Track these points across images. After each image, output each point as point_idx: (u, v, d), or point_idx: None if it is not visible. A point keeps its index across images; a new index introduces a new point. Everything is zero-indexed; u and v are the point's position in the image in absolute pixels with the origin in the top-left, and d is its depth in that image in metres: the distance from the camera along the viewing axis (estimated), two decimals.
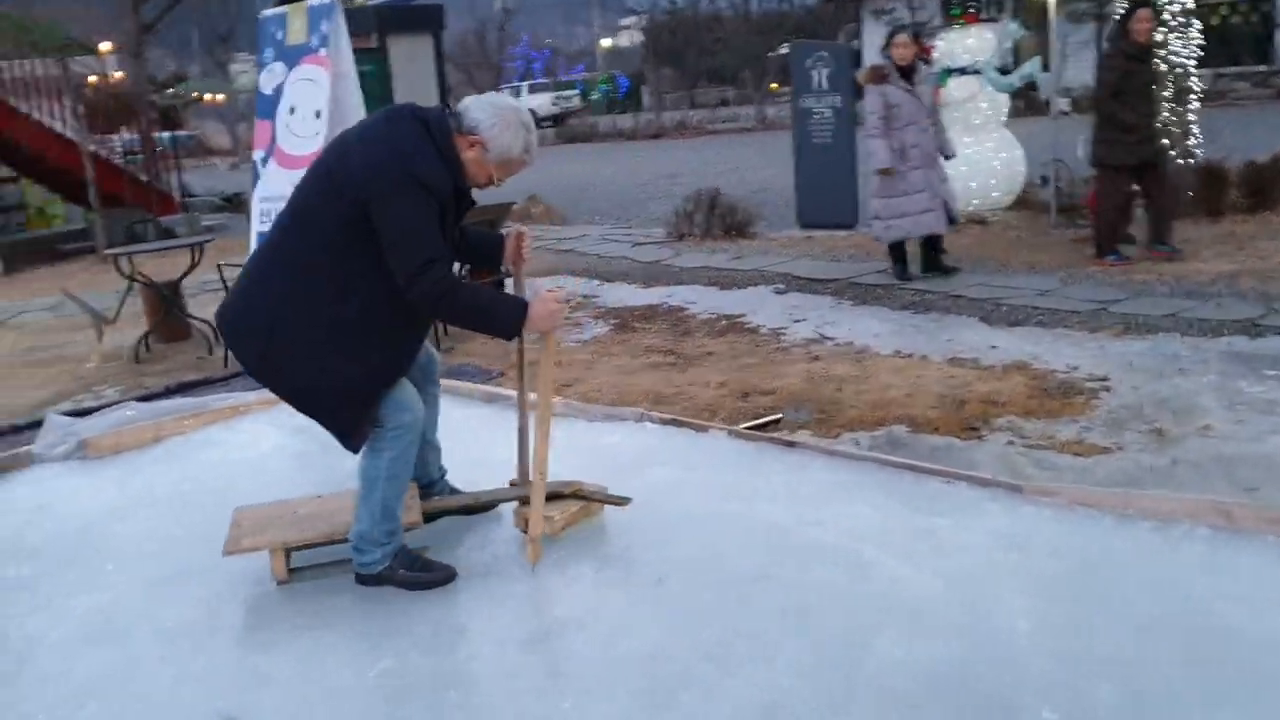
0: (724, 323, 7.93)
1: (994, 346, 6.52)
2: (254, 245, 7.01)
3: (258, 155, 7.15)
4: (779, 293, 8.66)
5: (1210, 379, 5.55)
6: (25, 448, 5.05)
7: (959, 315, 7.39)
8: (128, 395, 7.14)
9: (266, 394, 5.25)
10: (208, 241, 8.64)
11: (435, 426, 3.92)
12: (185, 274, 8.42)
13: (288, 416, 4.60)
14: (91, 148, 14.33)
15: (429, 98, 16.11)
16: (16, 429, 6.58)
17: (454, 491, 4.02)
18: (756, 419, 5.53)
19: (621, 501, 3.87)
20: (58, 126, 14.43)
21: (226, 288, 8.76)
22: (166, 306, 8.40)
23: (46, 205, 16.80)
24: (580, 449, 4.71)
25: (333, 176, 3.18)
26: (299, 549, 3.60)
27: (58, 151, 14.17)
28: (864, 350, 6.75)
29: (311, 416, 3.37)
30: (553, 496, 3.80)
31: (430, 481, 3.96)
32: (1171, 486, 4.26)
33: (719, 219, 12.19)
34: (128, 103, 17.11)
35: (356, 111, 6.76)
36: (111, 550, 4.00)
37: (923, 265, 8.69)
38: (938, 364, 6.30)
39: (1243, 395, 5.29)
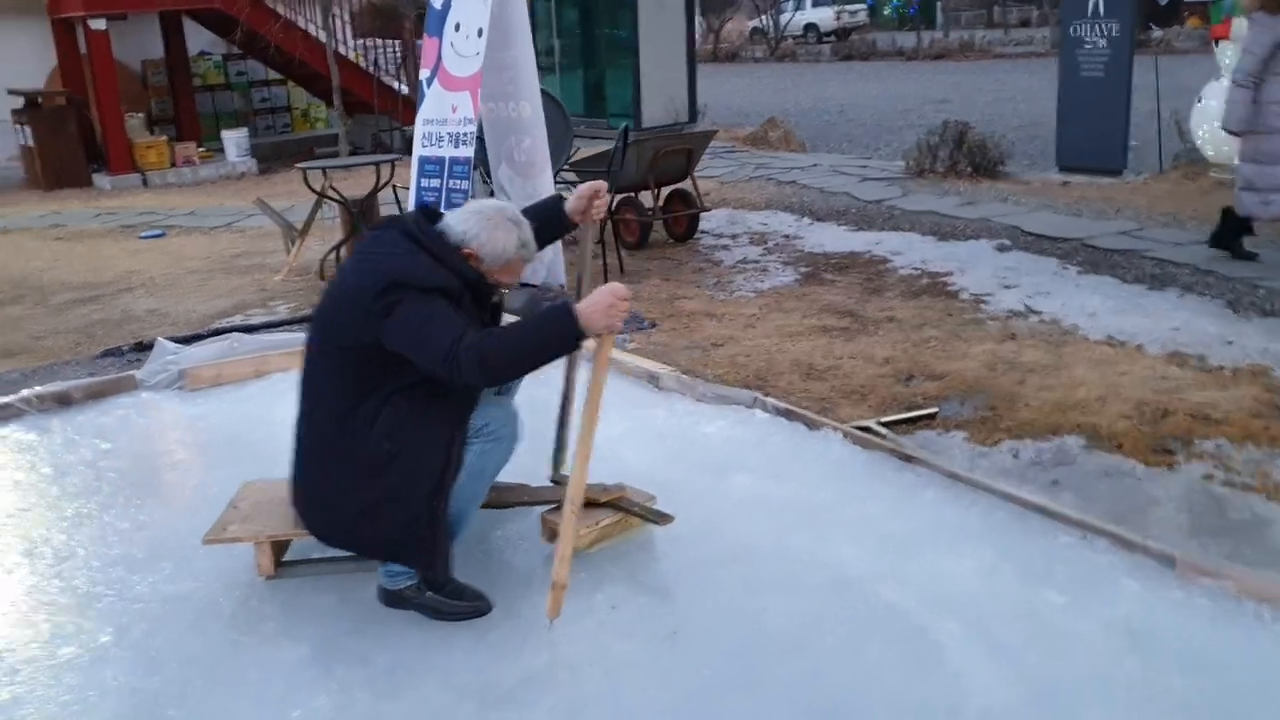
0: (924, 281, 7.02)
1: (1230, 342, 5.37)
2: (414, 172, 6.70)
3: (424, 75, 6.77)
4: (1000, 249, 7.62)
5: None
6: (131, 372, 4.94)
7: (1200, 296, 6.19)
8: (297, 313, 7.08)
9: None
10: (395, 160, 8.46)
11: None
12: (374, 191, 8.28)
13: None
14: (341, 51, 14.60)
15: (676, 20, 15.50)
16: (185, 339, 6.60)
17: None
18: (908, 411, 4.74)
19: (663, 519, 3.26)
20: (312, 30, 14.76)
21: (400, 208, 8.62)
22: (354, 223, 8.29)
23: (311, 108, 17.41)
24: (669, 435, 4.12)
25: (340, 310, 2.96)
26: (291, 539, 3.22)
27: (315, 56, 14.52)
28: (1069, 332, 5.73)
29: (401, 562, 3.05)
30: (588, 503, 3.23)
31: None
32: None
33: (966, 156, 11.01)
34: (391, 10, 17.37)
35: (521, 32, 6.25)
36: (132, 493, 3.77)
37: (1214, 237, 7.07)
38: (1152, 358, 5.23)
39: None
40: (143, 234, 10.52)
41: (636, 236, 8.60)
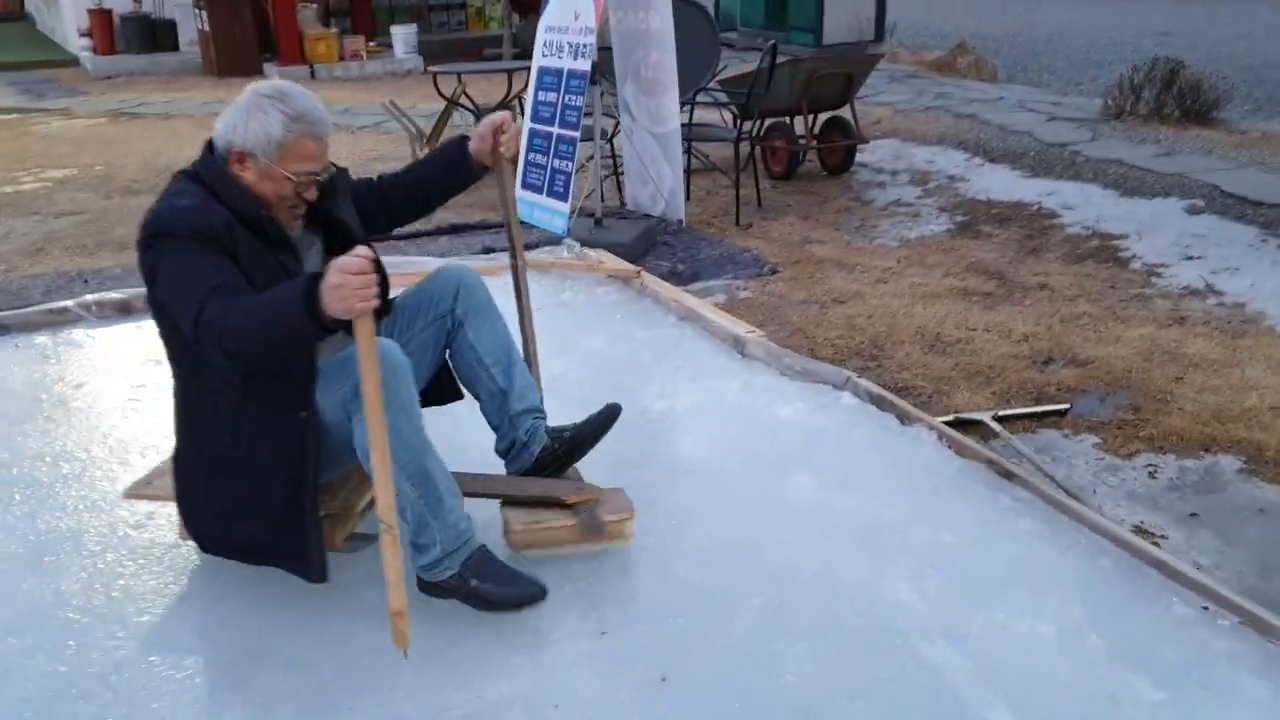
0: (1092, 243, 6.16)
1: None
2: (532, 84, 6.21)
3: None
4: (1190, 212, 6.64)
5: None
6: None
7: None
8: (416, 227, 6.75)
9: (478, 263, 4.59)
10: (526, 68, 8.00)
11: (501, 360, 2.83)
12: (503, 101, 7.85)
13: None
14: None
15: None
16: None
17: (553, 453, 2.85)
18: (1035, 403, 4.06)
19: (616, 536, 2.76)
20: None
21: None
22: None
23: (486, 6, 17.07)
24: (736, 417, 3.59)
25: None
26: None
27: None
28: (1252, 321, 4.86)
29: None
30: (553, 503, 2.78)
31: (512, 442, 2.86)
32: None
33: (1175, 98, 9.82)
34: None
35: None
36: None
37: None
38: None
39: None
40: None
41: (784, 166, 7.94)
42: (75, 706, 2.30)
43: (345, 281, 2.06)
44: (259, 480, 2.42)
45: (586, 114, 5.89)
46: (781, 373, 3.87)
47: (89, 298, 4.43)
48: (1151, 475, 3.54)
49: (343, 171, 2.69)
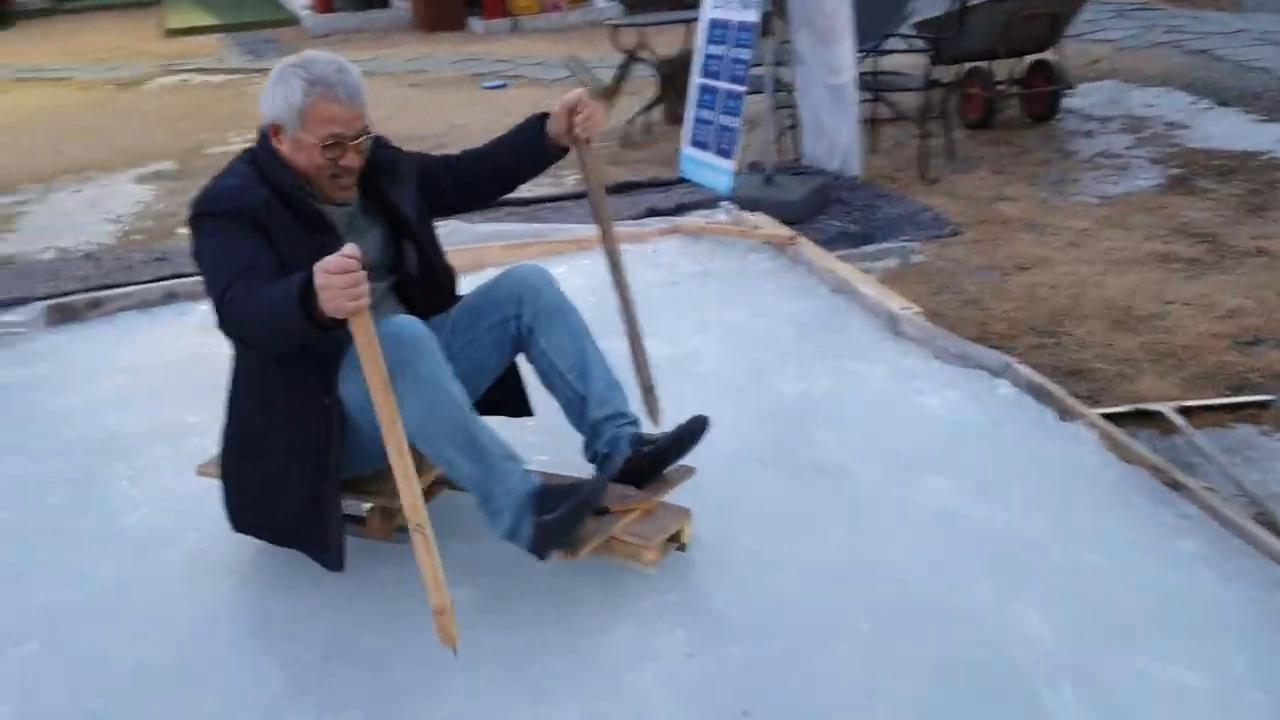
0: None
1: None
2: (701, 37, 5.95)
3: None
4: None
5: None
6: None
7: None
8: (582, 186, 6.65)
9: (622, 229, 4.47)
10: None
11: (576, 365, 2.62)
12: (685, 53, 7.60)
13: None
14: None
15: None
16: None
17: (637, 466, 2.57)
18: (1232, 393, 3.59)
19: (628, 557, 2.51)
20: None
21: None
22: (664, 86, 7.70)
23: None
24: (876, 406, 3.31)
25: None
26: None
27: None
28: None
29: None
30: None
31: (595, 453, 2.64)
32: None
33: None
34: None
35: None
36: None
37: None
38: None
39: None
40: (485, 84, 10.50)
41: (980, 114, 7.41)
42: (143, 704, 2.29)
43: (328, 282, 1.97)
44: (283, 464, 2.41)
45: (755, 66, 5.60)
46: (935, 355, 3.54)
47: None
48: None
49: (406, 154, 2.62)
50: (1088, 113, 7.67)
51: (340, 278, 1.96)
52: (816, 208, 5.73)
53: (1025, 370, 3.35)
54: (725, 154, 5.57)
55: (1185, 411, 3.44)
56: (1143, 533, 2.61)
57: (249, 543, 2.68)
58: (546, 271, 2.66)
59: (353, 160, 2.38)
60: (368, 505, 2.55)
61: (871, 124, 7.05)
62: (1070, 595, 2.41)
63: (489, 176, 2.73)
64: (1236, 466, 3.14)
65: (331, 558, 2.41)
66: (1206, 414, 3.46)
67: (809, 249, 4.44)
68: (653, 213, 5.70)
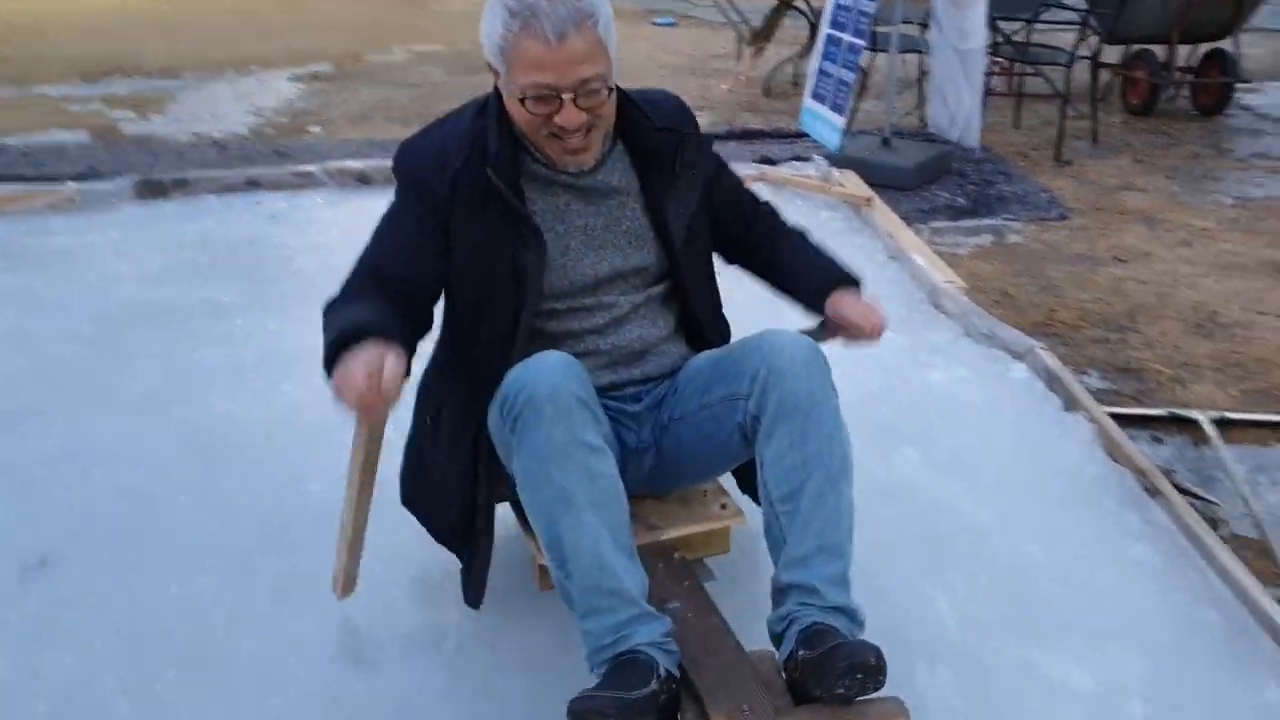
0: None
1: None
2: None
3: None
4: None
5: None
6: None
7: None
8: (714, 128, 6.66)
9: None
10: None
11: (791, 495, 1.84)
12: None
13: None
14: None
15: None
16: None
17: (791, 670, 1.75)
18: None
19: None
20: None
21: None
22: (814, 36, 7.55)
23: None
24: (881, 372, 3.23)
25: None
26: None
27: None
28: None
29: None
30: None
31: (771, 620, 1.85)
32: None
33: None
34: None
35: None
36: None
37: None
38: None
39: None
40: (656, 20, 10.52)
41: (1142, 100, 7.01)
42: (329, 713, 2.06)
43: (342, 390, 1.63)
44: (441, 478, 2.03)
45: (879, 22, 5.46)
46: (965, 332, 3.43)
47: (332, 164, 4.71)
48: None
49: (697, 142, 2.01)
50: (1263, 111, 7.16)
51: (352, 396, 1.60)
52: (930, 177, 5.57)
53: (1047, 357, 3.22)
54: (839, 109, 5.46)
55: (1224, 423, 3.24)
56: (1099, 534, 2.50)
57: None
58: (814, 351, 1.89)
59: (572, 117, 1.77)
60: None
61: (1018, 98, 6.77)
62: (991, 585, 2.34)
63: (758, 270, 2.24)
64: (1258, 486, 2.95)
65: (467, 595, 2.04)
66: (1248, 429, 3.25)
67: (881, 213, 4.33)
68: (765, 161, 5.66)
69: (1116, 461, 2.75)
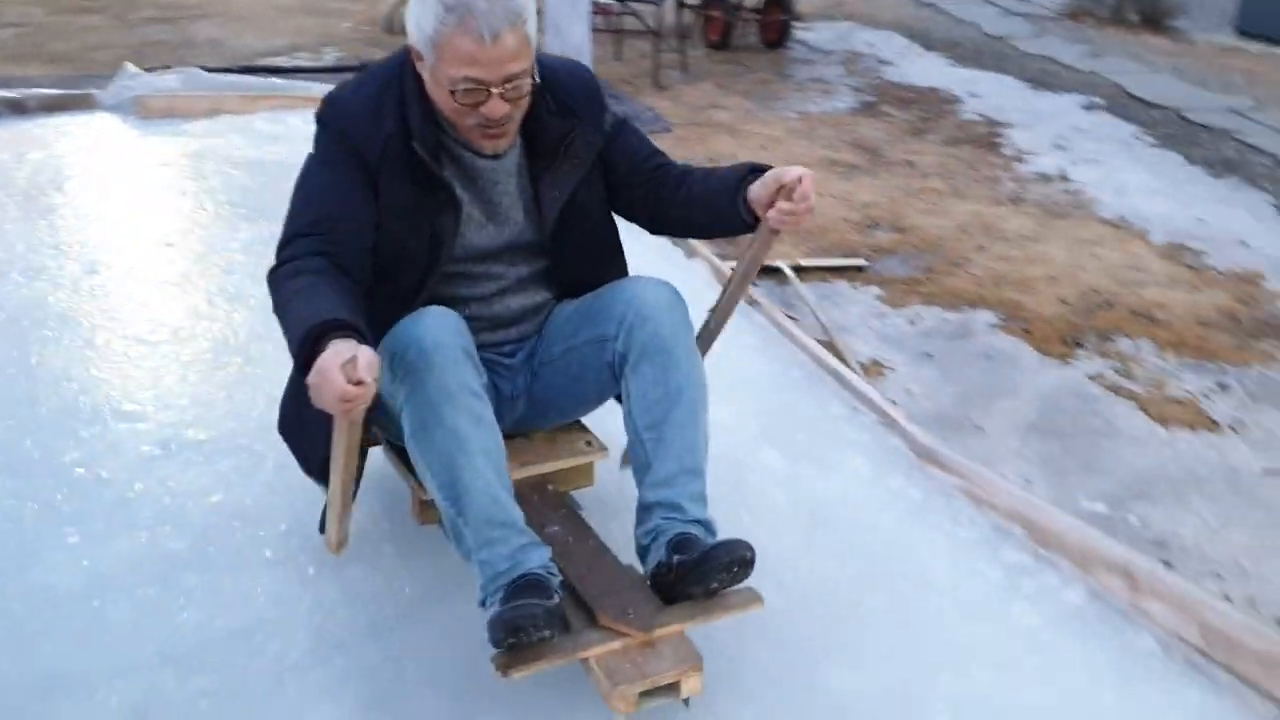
0: (979, 129, 6.46)
1: (1245, 243, 4.77)
2: None
3: None
4: (1087, 108, 6.92)
5: None
6: (92, 90, 5.06)
7: (1258, 190, 5.50)
8: (343, 61, 7.09)
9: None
10: None
11: (656, 422, 2.01)
12: None
13: None
14: None
15: None
16: (229, 70, 6.69)
17: (664, 575, 1.94)
18: (842, 256, 4.45)
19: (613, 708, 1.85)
20: None
21: None
22: None
23: None
24: None
25: None
26: None
27: None
28: (1082, 205, 5.20)
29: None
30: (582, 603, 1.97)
31: (636, 539, 2.04)
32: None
33: (1134, 2, 9.98)
34: None
35: None
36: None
37: None
38: (1146, 246, 4.71)
39: None
40: None
41: (719, 35, 8.19)
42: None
43: (321, 389, 1.59)
44: (317, 416, 1.78)
45: None
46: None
47: None
48: (911, 323, 3.93)
49: (588, 124, 2.05)
50: (816, 46, 8.56)
51: (332, 394, 1.57)
52: None
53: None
54: None
55: (798, 269, 4.27)
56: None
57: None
58: (674, 296, 2.04)
59: (498, 109, 1.84)
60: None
61: (619, 34, 7.72)
62: None
63: (682, 219, 2.17)
64: (824, 306, 3.98)
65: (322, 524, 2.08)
66: (814, 272, 4.30)
67: None
68: None
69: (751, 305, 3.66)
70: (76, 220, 3.98)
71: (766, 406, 3.02)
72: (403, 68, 1.93)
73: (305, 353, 1.64)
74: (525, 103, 1.90)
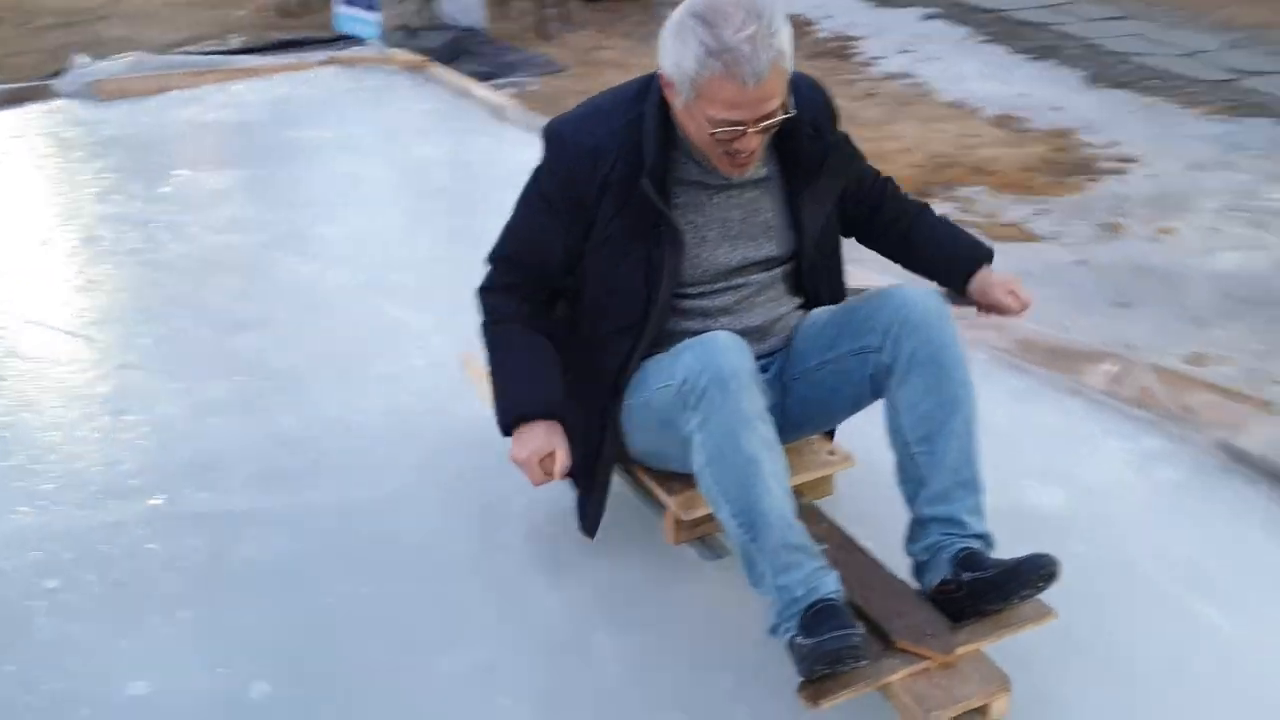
0: (832, 44, 7.34)
1: (1058, 108, 5.71)
2: None
3: None
4: (924, 18, 7.84)
5: None
6: (48, 81, 5.60)
7: (1069, 68, 6.46)
8: (249, 44, 7.63)
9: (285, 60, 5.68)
10: None
11: (927, 436, 1.96)
12: None
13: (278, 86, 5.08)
14: None
15: None
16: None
17: (950, 593, 1.91)
18: None
19: None
20: None
21: None
22: None
23: None
24: (476, 161, 4.67)
25: None
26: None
27: None
28: (926, 94, 6.10)
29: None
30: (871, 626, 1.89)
31: (913, 558, 2.00)
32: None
33: None
34: None
35: None
36: None
37: None
38: (980, 119, 5.62)
39: None
40: None
41: None
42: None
43: (521, 468, 1.95)
44: (571, 424, 2.02)
45: None
46: (529, 129, 4.99)
47: None
48: None
49: (839, 146, 2.05)
50: None
51: (528, 476, 1.94)
52: (453, 55, 7.05)
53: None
54: (372, 8, 6.77)
55: None
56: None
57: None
58: (942, 305, 1.99)
59: (752, 144, 1.85)
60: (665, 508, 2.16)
61: None
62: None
63: (889, 250, 2.28)
64: None
65: (586, 524, 2.16)
66: None
67: (438, 69, 5.78)
68: None
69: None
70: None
71: None
72: (646, 93, 1.92)
73: (511, 424, 1.96)
74: (771, 134, 1.88)
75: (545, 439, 1.91)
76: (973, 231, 2.28)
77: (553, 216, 1.96)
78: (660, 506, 2.16)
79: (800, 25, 7.87)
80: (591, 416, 2.04)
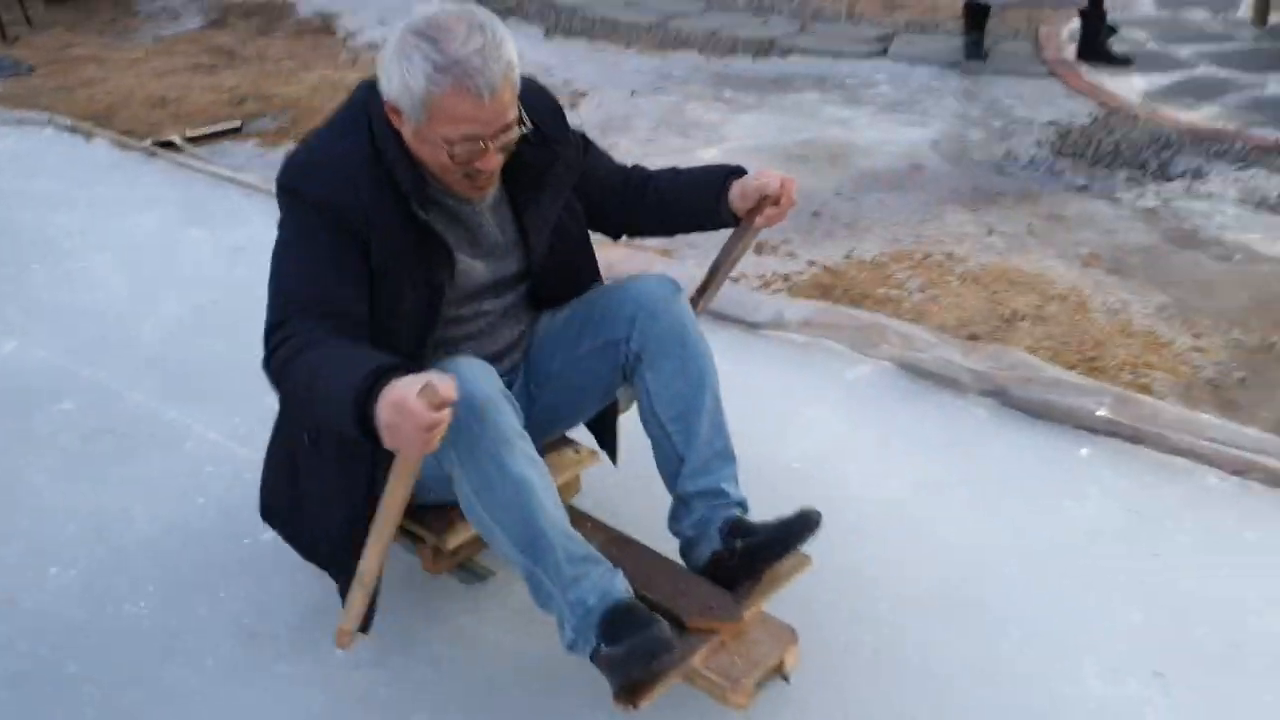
0: (316, 23, 7.63)
1: (521, 58, 6.39)
2: None
3: None
4: None
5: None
6: None
7: (528, 24, 7.21)
8: None
9: None
10: None
11: (682, 416, 2.03)
12: None
13: None
14: None
15: None
16: None
17: (724, 561, 1.99)
18: (222, 124, 5.46)
19: (721, 700, 1.90)
20: None
21: None
22: None
23: None
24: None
25: None
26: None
27: None
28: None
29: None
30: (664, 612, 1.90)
31: (679, 534, 2.08)
32: None
33: None
34: None
35: None
36: None
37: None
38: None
39: None
40: None
41: None
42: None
43: (399, 424, 1.51)
44: (321, 494, 1.93)
45: None
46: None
47: None
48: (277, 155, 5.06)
49: (567, 154, 1.98)
50: None
51: (416, 426, 1.49)
52: None
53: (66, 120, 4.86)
54: None
55: (190, 139, 5.21)
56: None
57: None
58: (676, 288, 2.05)
59: (491, 163, 1.77)
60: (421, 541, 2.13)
61: None
62: None
63: (657, 214, 2.18)
64: (214, 159, 4.97)
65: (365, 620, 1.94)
66: (205, 140, 5.27)
67: None
68: None
69: (126, 150, 4.55)
70: None
71: None
72: (369, 121, 1.79)
73: (366, 402, 1.53)
74: (509, 153, 1.81)
75: (408, 378, 1.53)
76: None
77: (319, 244, 1.77)
78: (413, 541, 2.11)
79: (280, 8, 8.10)
80: (357, 472, 1.84)
